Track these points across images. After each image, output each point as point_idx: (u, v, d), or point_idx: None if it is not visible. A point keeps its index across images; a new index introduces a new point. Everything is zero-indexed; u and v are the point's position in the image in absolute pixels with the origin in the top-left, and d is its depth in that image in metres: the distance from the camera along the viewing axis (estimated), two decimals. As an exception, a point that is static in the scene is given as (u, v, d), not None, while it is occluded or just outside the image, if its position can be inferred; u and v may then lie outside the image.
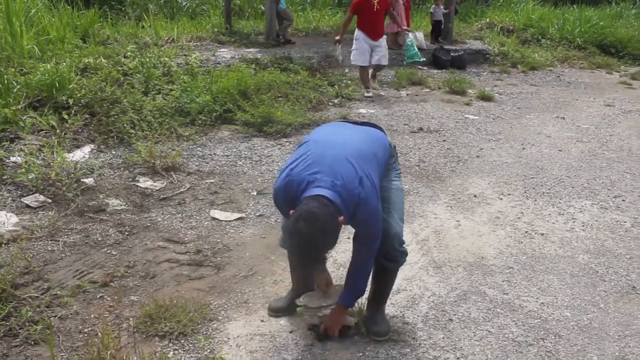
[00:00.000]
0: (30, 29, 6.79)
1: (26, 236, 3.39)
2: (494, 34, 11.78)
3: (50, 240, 3.42)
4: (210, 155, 5.05)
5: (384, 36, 7.46)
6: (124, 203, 4.00)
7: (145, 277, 3.13)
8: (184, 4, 12.24)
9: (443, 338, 2.71)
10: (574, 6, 15.00)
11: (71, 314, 2.75)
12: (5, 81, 5.11)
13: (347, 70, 8.42)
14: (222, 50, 8.71)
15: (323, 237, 2.15)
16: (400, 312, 2.90)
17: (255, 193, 4.32)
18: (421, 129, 6.28)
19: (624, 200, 4.51)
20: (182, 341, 2.60)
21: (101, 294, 2.94)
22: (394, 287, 2.82)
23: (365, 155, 2.37)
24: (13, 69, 5.51)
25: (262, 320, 2.79)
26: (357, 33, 7.27)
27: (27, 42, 6.33)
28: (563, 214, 4.20)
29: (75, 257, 3.27)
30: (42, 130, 4.78)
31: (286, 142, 5.51)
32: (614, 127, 6.84)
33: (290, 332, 2.70)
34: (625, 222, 4.11)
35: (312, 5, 13.55)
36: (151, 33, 8.52)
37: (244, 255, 3.42)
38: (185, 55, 7.58)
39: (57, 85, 5.19)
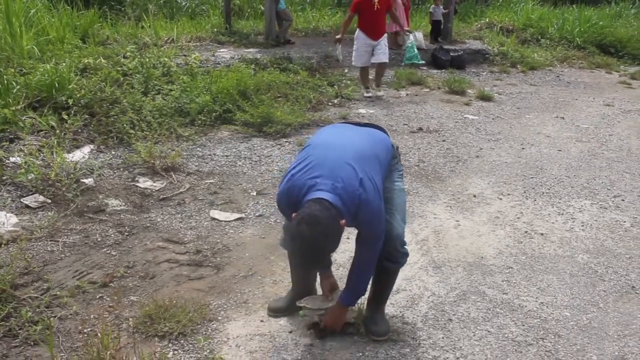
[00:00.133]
0: (29, 30, 6.80)
1: (26, 236, 3.39)
2: (493, 34, 11.79)
3: (50, 240, 3.42)
4: (209, 155, 5.05)
5: (385, 35, 7.44)
6: (124, 203, 4.00)
7: (145, 277, 3.13)
8: (183, 4, 12.25)
9: (442, 338, 2.71)
10: (574, 6, 15.02)
11: (71, 314, 2.75)
12: (5, 81, 5.12)
13: (346, 70, 8.43)
14: (221, 50, 8.72)
15: (325, 240, 2.15)
16: (400, 312, 2.91)
17: (254, 193, 4.32)
18: (421, 129, 6.28)
19: (623, 200, 4.51)
20: (182, 341, 2.59)
21: (101, 295, 2.94)
22: (394, 287, 2.82)
23: (367, 156, 2.38)
24: (13, 69, 5.52)
25: (261, 321, 2.79)
26: (358, 33, 7.27)
27: (27, 42, 6.33)
28: (562, 214, 4.20)
29: (74, 258, 3.27)
30: (41, 130, 4.78)
31: (286, 142, 5.51)
32: (614, 127, 6.84)
33: (290, 332, 2.70)
34: (624, 221, 4.11)
35: (311, 5, 13.57)
36: (151, 33, 8.52)
37: (243, 255, 3.42)
38: (184, 55, 7.59)
39: (57, 85, 5.19)
